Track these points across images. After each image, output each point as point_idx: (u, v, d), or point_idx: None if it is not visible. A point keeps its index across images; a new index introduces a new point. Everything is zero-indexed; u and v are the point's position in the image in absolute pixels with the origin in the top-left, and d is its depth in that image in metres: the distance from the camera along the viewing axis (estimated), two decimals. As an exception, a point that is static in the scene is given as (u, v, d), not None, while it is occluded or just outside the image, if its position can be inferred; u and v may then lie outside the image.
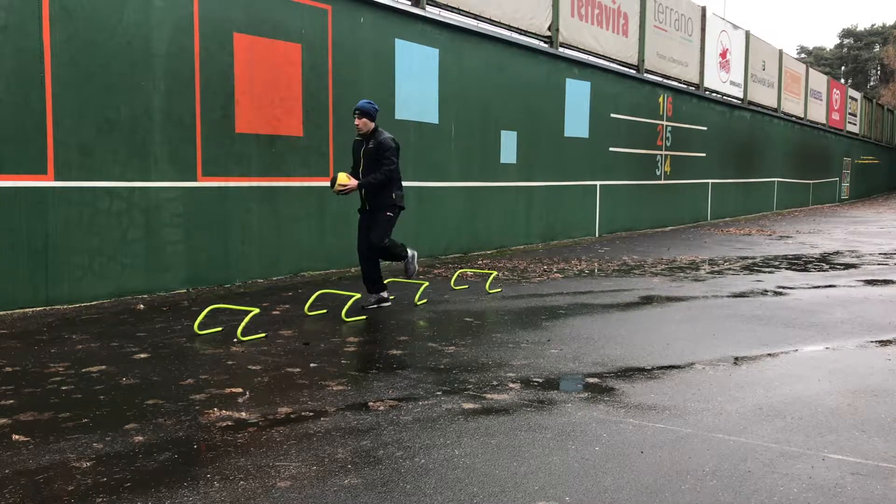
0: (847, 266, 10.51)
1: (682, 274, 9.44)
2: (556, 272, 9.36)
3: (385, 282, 6.93)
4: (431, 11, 10.24)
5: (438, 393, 4.19)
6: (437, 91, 10.45)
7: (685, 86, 18.12)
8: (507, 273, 9.20)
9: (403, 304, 6.95)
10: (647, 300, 7.44)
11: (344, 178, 6.53)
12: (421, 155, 10.27)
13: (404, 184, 10.16)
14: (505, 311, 6.72)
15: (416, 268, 7.06)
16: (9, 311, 6.26)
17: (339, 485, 2.95)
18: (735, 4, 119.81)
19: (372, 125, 6.57)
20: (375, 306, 6.70)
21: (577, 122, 13.64)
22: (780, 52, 24.78)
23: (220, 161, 7.75)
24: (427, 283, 7.66)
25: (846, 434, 3.61)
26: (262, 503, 2.79)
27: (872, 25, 76.44)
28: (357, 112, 6.54)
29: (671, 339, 5.68)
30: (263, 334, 5.57)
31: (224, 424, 3.63)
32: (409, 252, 6.95)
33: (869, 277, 9.33)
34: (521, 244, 12.47)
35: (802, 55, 73.99)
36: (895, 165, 44.15)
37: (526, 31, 12.30)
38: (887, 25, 72.65)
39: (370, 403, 3.98)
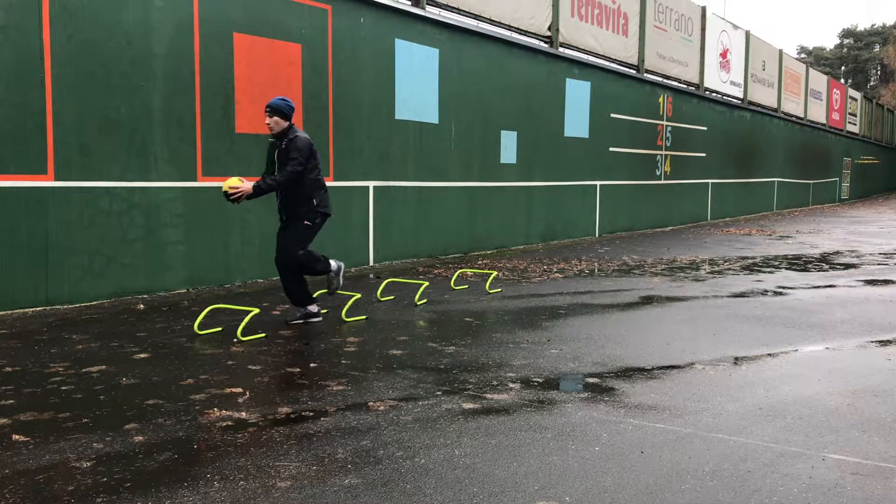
0: (847, 266, 10.51)
1: (682, 274, 9.44)
2: (556, 272, 9.36)
3: (315, 295, 6.24)
4: (431, 11, 10.24)
5: (438, 393, 4.19)
6: (437, 91, 10.45)
7: (685, 86, 18.12)
8: (507, 273, 9.19)
9: (403, 304, 6.95)
10: (648, 300, 7.44)
11: (235, 181, 5.78)
12: (421, 155, 10.27)
13: (405, 184, 10.30)
14: (505, 311, 6.72)
15: (341, 282, 6.31)
16: (9, 311, 6.26)
17: (339, 485, 2.95)
18: (735, 4, 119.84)
19: (285, 124, 5.86)
20: (301, 322, 5.98)
21: (577, 122, 13.64)
22: (780, 52, 24.78)
23: (220, 161, 7.75)
24: (427, 283, 7.66)
25: (846, 434, 3.61)
26: (262, 503, 2.80)
27: (872, 25, 76.47)
28: (268, 110, 5.83)
29: (671, 339, 5.68)
30: (263, 334, 5.57)
31: (224, 424, 3.63)
32: (334, 264, 6.21)
33: (869, 277, 9.33)
34: (521, 244, 12.47)
35: (802, 55, 73.97)
36: (895, 165, 44.14)
37: (526, 31, 12.30)
38: (887, 25, 72.65)
39: (370, 403, 3.98)
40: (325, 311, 6.54)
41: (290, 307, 6.31)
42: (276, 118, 5.83)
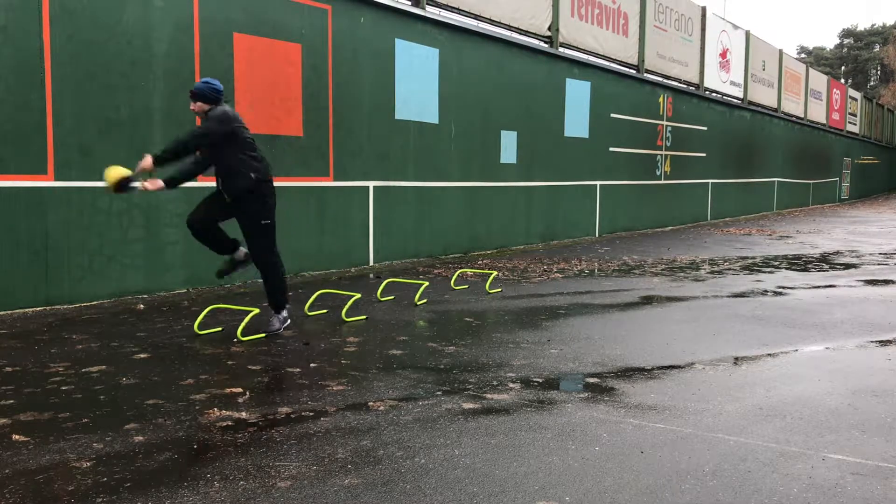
0: (847, 266, 10.51)
1: (682, 274, 9.44)
2: (556, 272, 9.36)
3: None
4: (431, 11, 10.24)
5: (438, 393, 4.19)
6: (437, 91, 10.44)
7: (685, 86, 18.11)
8: (507, 273, 9.19)
9: (403, 304, 6.95)
10: (648, 300, 7.44)
11: (121, 170, 5.22)
12: (421, 155, 10.26)
13: (405, 184, 10.30)
14: (505, 311, 6.71)
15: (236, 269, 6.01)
16: (9, 311, 6.26)
17: (339, 485, 2.95)
18: (735, 4, 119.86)
19: (207, 108, 5.39)
20: (278, 331, 5.66)
21: (577, 122, 13.64)
22: (780, 52, 24.78)
23: (220, 161, 7.74)
24: (427, 283, 7.66)
25: (846, 434, 3.61)
26: (262, 503, 2.80)
27: (872, 25, 76.45)
28: (191, 95, 5.44)
29: (671, 339, 5.67)
30: (263, 334, 5.57)
31: (224, 424, 3.63)
32: (242, 252, 5.92)
33: (869, 277, 9.33)
34: (521, 244, 12.47)
35: (802, 55, 73.96)
36: (895, 165, 44.14)
37: (526, 31, 12.30)
38: (887, 25, 72.61)
39: (370, 403, 3.98)
40: (324, 311, 6.54)
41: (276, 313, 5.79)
42: (199, 103, 5.39)
